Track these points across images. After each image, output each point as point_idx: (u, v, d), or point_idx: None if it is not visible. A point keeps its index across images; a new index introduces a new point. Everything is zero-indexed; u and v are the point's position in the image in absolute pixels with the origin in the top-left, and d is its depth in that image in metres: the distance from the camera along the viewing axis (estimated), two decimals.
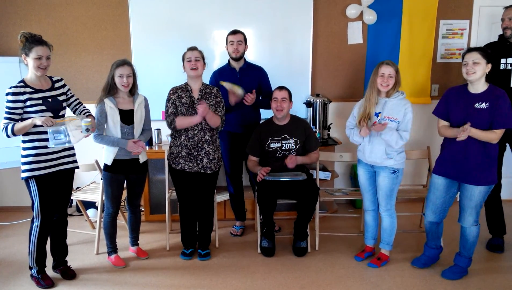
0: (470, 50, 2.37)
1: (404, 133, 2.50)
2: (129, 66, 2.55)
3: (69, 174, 2.53)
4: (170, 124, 2.67)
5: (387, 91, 2.51)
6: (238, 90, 2.83)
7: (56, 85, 2.44)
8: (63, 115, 2.44)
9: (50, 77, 2.44)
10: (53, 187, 2.44)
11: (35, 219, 2.43)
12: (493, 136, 2.32)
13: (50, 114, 2.33)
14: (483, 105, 2.33)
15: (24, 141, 2.35)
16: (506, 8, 2.83)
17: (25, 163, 2.34)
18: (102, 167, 2.70)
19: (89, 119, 2.38)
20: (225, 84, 2.84)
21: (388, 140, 2.50)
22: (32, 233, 2.44)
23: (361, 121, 2.55)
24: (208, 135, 2.70)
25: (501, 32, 2.88)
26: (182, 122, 2.64)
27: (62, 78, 2.51)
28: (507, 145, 2.92)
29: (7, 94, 2.27)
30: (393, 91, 2.52)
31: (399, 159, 2.57)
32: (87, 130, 2.35)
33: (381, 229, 2.71)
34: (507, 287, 2.46)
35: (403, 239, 3.08)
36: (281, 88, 2.89)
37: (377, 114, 2.54)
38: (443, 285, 2.48)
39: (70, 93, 2.52)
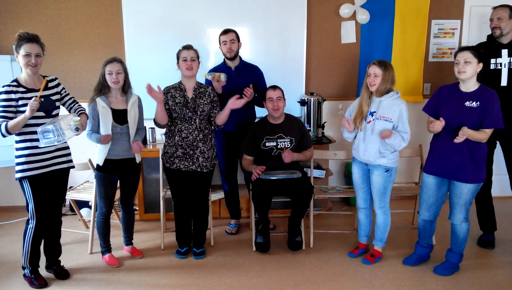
0: (462, 49, 2.40)
1: (405, 135, 2.51)
2: (119, 62, 2.54)
3: (63, 174, 2.52)
4: (155, 122, 2.69)
5: (376, 90, 2.53)
6: (221, 76, 2.82)
7: (50, 84, 2.42)
8: (56, 114, 2.42)
9: (44, 77, 2.42)
10: (48, 188, 2.42)
11: (30, 221, 2.41)
12: (484, 136, 2.35)
13: (41, 113, 2.31)
14: (474, 104, 2.36)
15: (17, 141, 2.33)
16: (495, 8, 2.87)
17: (18, 164, 2.32)
18: (95, 167, 2.68)
19: (78, 118, 2.35)
20: (207, 76, 2.85)
21: (392, 143, 2.51)
22: (27, 234, 2.42)
23: (355, 119, 2.58)
24: (202, 134, 2.71)
25: (490, 32, 2.92)
26: (156, 114, 2.63)
27: (56, 77, 2.49)
28: (497, 142, 2.96)
29: (0, 93, 2.25)
30: (383, 89, 2.51)
31: (392, 158, 2.59)
32: (77, 129, 2.32)
33: (375, 226, 2.74)
34: (498, 282, 2.51)
35: (396, 236, 3.11)
36: (274, 87, 2.89)
37: (372, 113, 2.56)
38: (435, 280, 2.52)
39: (65, 92, 2.50)
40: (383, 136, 2.48)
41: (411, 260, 2.71)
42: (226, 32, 2.99)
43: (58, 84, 2.48)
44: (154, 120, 2.69)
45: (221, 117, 2.73)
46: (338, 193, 3.27)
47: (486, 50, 2.83)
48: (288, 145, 2.91)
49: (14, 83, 2.29)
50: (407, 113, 2.54)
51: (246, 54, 3.57)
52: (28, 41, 2.25)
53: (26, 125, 2.27)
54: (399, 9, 3.73)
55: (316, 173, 3.33)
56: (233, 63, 3.06)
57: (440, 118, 2.36)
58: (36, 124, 2.28)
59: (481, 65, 2.35)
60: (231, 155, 3.17)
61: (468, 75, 2.35)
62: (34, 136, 2.30)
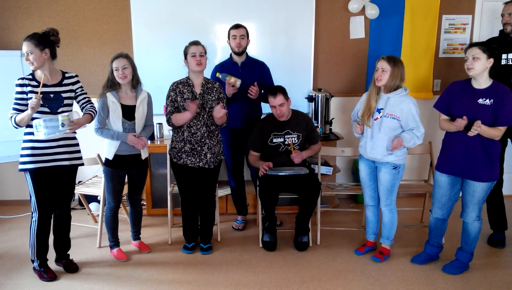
0: (471, 45, 2.35)
1: (419, 133, 2.48)
2: (125, 58, 2.55)
3: (70, 170, 2.53)
4: (168, 122, 2.69)
5: (385, 86, 2.49)
6: (237, 83, 2.83)
7: (66, 81, 2.44)
8: (63, 112, 2.41)
9: (64, 73, 2.46)
10: (52, 182, 2.44)
11: (33, 214, 2.44)
12: (498, 133, 2.31)
13: (46, 109, 2.35)
14: (487, 102, 2.31)
15: (24, 134, 2.38)
16: (506, 3, 2.82)
17: (21, 156, 2.38)
18: (103, 162, 2.70)
19: (66, 114, 2.34)
20: (221, 76, 2.84)
21: (407, 145, 2.50)
22: (31, 227, 2.45)
23: (363, 116, 2.56)
24: (208, 130, 2.70)
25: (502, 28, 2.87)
26: (176, 119, 2.65)
27: (77, 74, 2.52)
28: (509, 140, 2.91)
29: (16, 85, 2.34)
30: (391, 85, 2.47)
31: (400, 155, 2.55)
32: (63, 125, 2.31)
33: (382, 224, 2.71)
34: (508, 282, 2.47)
35: (405, 234, 3.08)
36: (274, 93, 2.79)
37: (379, 110, 2.53)
38: (444, 279, 2.49)
39: (81, 90, 2.52)
40: (392, 149, 2.46)
41: (420, 259, 2.68)
42: (237, 26, 2.99)
43: (76, 82, 2.49)
44: (169, 121, 2.68)
45: (216, 121, 2.69)
46: (346, 190, 3.25)
47: (498, 45, 2.77)
48: (295, 141, 2.89)
49: (29, 76, 2.36)
50: (417, 110, 2.50)
51: (253, 50, 3.55)
52: (26, 39, 2.32)
53: (32, 119, 2.31)
54: (409, 3, 3.67)
55: (323, 169, 3.31)
56: (239, 58, 3.05)
57: (464, 117, 2.30)
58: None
59: (491, 60, 2.29)
60: (238, 152, 3.17)
61: (477, 72, 2.30)
62: None
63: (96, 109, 2.54)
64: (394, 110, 2.49)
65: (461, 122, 2.30)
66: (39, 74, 2.37)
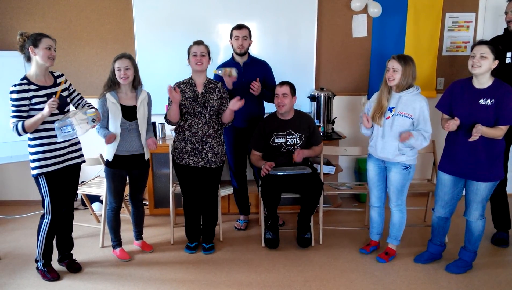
0: (480, 43, 2.32)
1: (426, 134, 2.45)
2: (127, 58, 2.54)
3: (76, 169, 2.55)
4: (165, 118, 2.70)
5: (397, 86, 2.47)
6: (232, 71, 2.81)
7: (59, 80, 2.44)
8: (68, 111, 2.45)
9: (52, 73, 2.44)
10: (62, 183, 2.45)
11: (45, 216, 2.44)
12: (499, 132, 2.29)
13: (56, 110, 2.33)
14: (488, 102, 2.29)
15: (31, 139, 2.34)
16: (510, 1, 2.80)
17: (34, 161, 2.34)
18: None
19: (93, 110, 2.38)
20: (218, 72, 2.84)
21: (414, 144, 2.46)
22: (42, 229, 2.45)
23: (374, 115, 2.53)
24: (212, 129, 2.70)
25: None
26: (169, 112, 2.64)
27: (63, 73, 2.51)
28: None
29: (12, 92, 2.24)
30: (403, 84, 2.45)
31: (411, 155, 2.53)
32: (93, 120, 2.35)
33: (390, 224, 2.69)
34: (511, 281, 2.46)
35: (408, 233, 3.07)
36: (282, 83, 2.86)
37: (391, 109, 2.50)
38: (447, 279, 2.48)
39: (72, 88, 2.52)
40: (402, 139, 2.43)
41: (423, 258, 2.67)
42: (240, 27, 2.97)
43: (66, 80, 2.50)
44: (165, 118, 2.69)
45: (225, 117, 2.71)
46: (348, 190, 3.24)
47: (502, 43, 2.76)
48: (297, 141, 2.89)
49: (25, 81, 2.28)
50: (428, 110, 2.47)
51: (256, 49, 3.54)
52: (47, 36, 2.31)
53: (41, 122, 2.29)
54: (412, 1, 3.65)
55: (325, 169, 3.30)
56: (242, 59, 3.04)
57: (455, 118, 2.30)
58: (50, 121, 2.30)
59: (496, 62, 2.28)
60: (240, 151, 3.16)
61: (482, 70, 2.28)
62: (49, 133, 2.32)
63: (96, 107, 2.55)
64: (406, 108, 2.46)
65: (453, 124, 2.28)
66: (31, 74, 2.32)
